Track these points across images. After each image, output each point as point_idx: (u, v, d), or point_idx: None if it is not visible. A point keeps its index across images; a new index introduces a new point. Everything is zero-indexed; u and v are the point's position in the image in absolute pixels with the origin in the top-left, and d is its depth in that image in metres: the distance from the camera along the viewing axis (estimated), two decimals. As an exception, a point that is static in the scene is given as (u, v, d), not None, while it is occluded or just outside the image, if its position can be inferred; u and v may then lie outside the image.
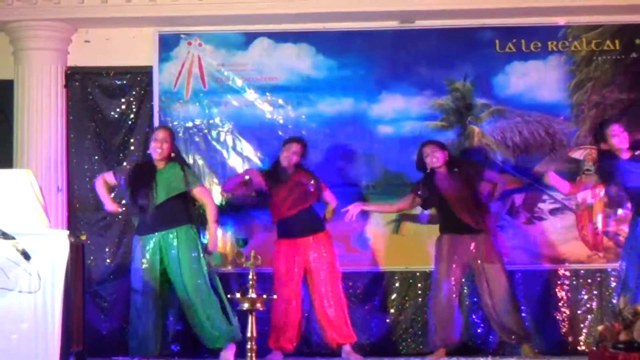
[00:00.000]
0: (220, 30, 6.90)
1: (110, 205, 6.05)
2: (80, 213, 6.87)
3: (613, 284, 6.52)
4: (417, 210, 6.52)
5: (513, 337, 6.11)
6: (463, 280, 6.34)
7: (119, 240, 6.83)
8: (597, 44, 6.77)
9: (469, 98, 6.82)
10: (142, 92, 6.96)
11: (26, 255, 4.40)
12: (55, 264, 4.42)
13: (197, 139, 6.87)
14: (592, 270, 6.68)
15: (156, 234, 5.83)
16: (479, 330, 6.62)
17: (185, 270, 5.78)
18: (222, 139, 6.88)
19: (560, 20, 6.79)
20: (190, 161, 6.70)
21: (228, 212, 6.70)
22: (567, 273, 6.68)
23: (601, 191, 6.50)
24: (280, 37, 6.89)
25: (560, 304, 6.65)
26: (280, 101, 6.88)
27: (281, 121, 6.87)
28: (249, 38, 6.90)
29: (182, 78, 6.87)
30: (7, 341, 4.35)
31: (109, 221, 6.83)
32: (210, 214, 5.94)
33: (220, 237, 6.43)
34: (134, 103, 6.97)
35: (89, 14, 6.74)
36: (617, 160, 5.83)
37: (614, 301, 6.17)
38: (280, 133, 6.79)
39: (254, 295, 4.17)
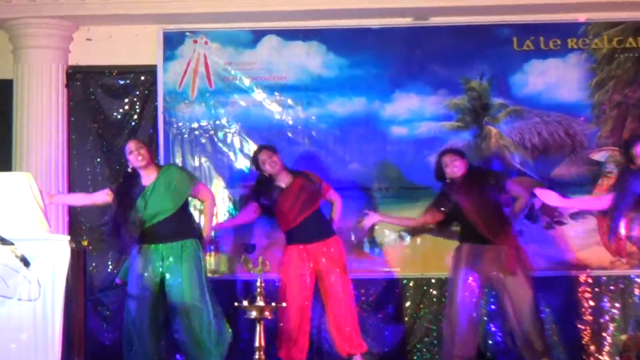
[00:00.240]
0: (227, 27, 6.87)
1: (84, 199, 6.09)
2: (81, 218, 6.83)
3: (637, 291, 6.50)
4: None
5: (533, 352, 5.94)
6: (484, 290, 6.20)
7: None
8: (619, 42, 6.72)
9: (485, 98, 6.77)
10: (146, 92, 6.95)
11: (26, 262, 4.38)
12: (55, 270, 4.39)
13: (203, 141, 6.84)
14: (615, 276, 6.61)
15: (159, 245, 5.68)
16: (497, 342, 6.55)
17: (185, 283, 5.63)
18: (229, 140, 6.84)
19: (581, 17, 6.74)
20: (196, 163, 6.75)
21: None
22: (589, 280, 6.62)
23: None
24: (289, 35, 6.84)
25: (581, 312, 6.58)
26: (290, 101, 6.83)
27: (290, 122, 6.83)
28: (257, 36, 6.86)
29: (188, 77, 6.83)
30: (6, 351, 4.35)
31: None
32: (209, 210, 5.85)
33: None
34: (138, 103, 6.95)
35: (91, 11, 6.72)
36: None
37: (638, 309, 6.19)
38: (289, 134, 6.79)
39: (262, 304, 4.00)
